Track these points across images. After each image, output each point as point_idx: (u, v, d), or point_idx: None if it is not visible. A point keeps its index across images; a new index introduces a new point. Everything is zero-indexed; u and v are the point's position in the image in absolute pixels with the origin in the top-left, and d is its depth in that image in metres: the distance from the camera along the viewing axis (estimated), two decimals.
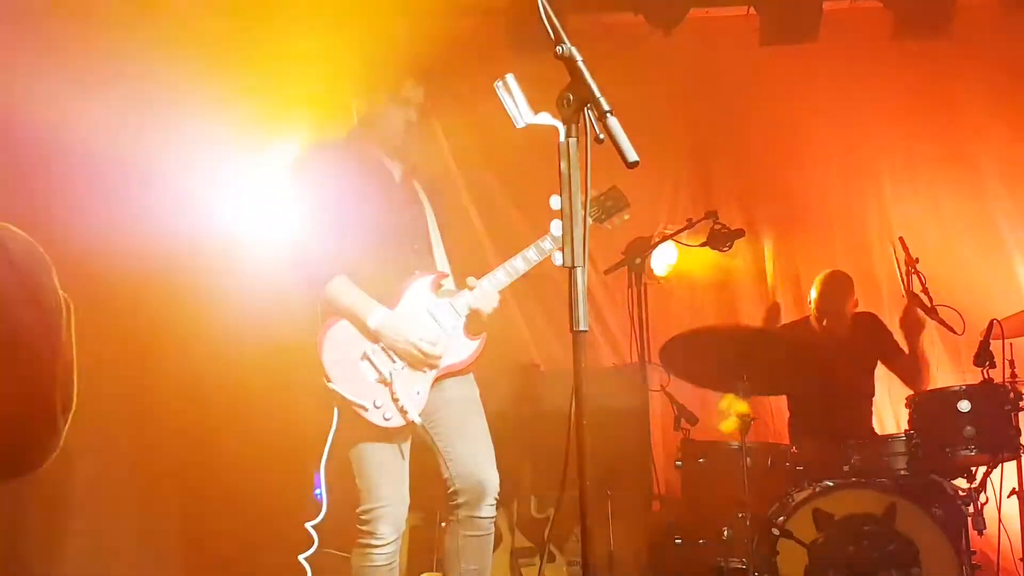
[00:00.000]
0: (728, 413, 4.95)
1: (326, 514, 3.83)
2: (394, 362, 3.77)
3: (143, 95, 4.91)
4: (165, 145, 4.98)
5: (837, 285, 5.80)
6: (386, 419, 3.72)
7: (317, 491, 5.34)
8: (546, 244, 3.87)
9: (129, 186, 4.91)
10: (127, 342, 5.00)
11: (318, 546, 3.76)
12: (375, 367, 3.75)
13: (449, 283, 3.99)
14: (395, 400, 3.72)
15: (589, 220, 3.96)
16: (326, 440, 3.73)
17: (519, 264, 3.91)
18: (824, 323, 5.77)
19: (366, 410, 3.69)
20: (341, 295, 3.76)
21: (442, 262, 4.04)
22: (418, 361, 3.78)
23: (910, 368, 5.73)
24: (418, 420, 3.75)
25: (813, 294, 5.85)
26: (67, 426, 1.56)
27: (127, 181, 4.88)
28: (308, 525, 3.74)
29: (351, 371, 3.73)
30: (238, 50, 5.06)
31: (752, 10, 6.52)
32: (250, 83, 5.12)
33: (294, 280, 3.87)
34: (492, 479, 3.89)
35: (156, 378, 5.23)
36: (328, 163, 3.91)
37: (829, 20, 6.44)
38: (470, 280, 3.87)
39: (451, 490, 3.89)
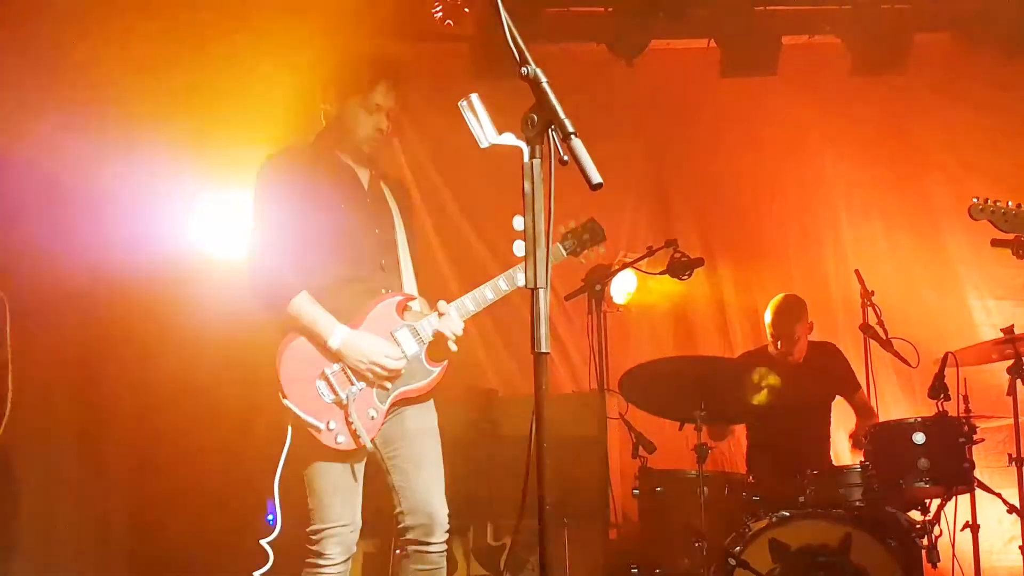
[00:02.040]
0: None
1: (280, 534, 3.76)
2: (352, 384, 3.69)
3: (103, 113, 4.87)
4: (125, 163, 4.93)
5: (789, 308, 5.86)
6: (338, 442, 3.64)
7: (270, 517, 5.27)
8: (518, 275, 3.82)
9: (89, 204, 4.85)
10: (81, 356, 4.94)
11: (273, 565, 3.69)
12: (332, 388, 3.66)
13: (416, 306, 3.92)
14: (349, 423, 3.64)
15: (563, 252, 4.02)
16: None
17: (488, 294, 3.85)
18: (779, 346, 5.82)
19: (319, 431, 3.61)
20: (302, 313, 3.67)
21: (409, 282, 3.96)
22: (378, 377, 3.70)
23: (865, 405, 5.79)
24: (370, 445, 3.68)
25: (767, 318, 5.91)
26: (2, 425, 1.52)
27: (87, 199, 4.83)
28: (264, 542, 3.68)
29: (307, 389, 3.65)
30: (202, 66, 5.03)
31: (713, 43, 6.60)
32: (214, 98, 5.09)
33: (255, 297, 3.76)
34: (441, 514, 3.83)
35: (109, 396, 5.16)
36: (294, 170, 3.81)
37: (788, 54, 6.53)
38: (440, 304, 3.80)
39: (401, 524, 3.83)
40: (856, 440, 5.75)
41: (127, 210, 5.03)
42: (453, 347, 3.79)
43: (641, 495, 5.12)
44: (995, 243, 4.89)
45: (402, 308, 3.85)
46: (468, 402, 5.88)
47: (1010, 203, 4.37)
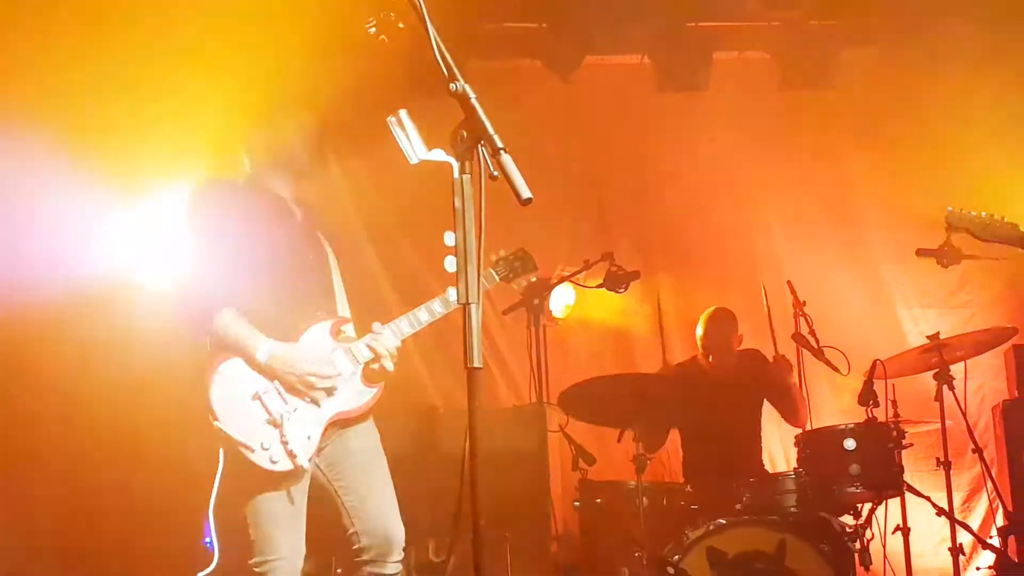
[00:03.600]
0: None
1: (218, 565, 3.72)
2: (286, 403, 3.63)
3: (27, 137, 4.81)
4: (48, 180, 4.86)
5: (721, 321, 5.95)
6: (273, 462, 3.56)
7: (207, 540, 5.21)
8: (452, 297, 3.76)
9: (5, 221, 4.78)
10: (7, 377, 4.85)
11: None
12: (266, 407, 3.59)
13: (350, 329, 3.89)
14: (284, 443, 3.57)
15: (495, 277, 4.05)
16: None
17: (423, 316, 3.85)
18: (710, 359, 5.90)
19: (252, 451, 3.53)
20: (227, 329, 3.60)
21: (344, 308, 3.94)
22: (312, 391, 3.65)
23: (788, 404, 5.90)
24: (307, 465, 3.62)
25: (699, 331, 5.99)
26: None
27: (3, 214, 4.75)
28: None
29: (240, 410, 3.57)
30: (130, 87, 4.98)
31: (646, 58, 6.69)
32: (142, 121, 5.04)
33: (179, 316, 3.70)
34: (399, 533, 3.80)
35: (29, 417, 5.06)
36: (224, 198, 3.79)
37: (720, 69, 6.66)
38: (375, 326, 3.77)
39: (356, 546, 3.78)
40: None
41: (47, 228, 4.95)
42: (389, 366, 3.77)
43: (581, 507, 5.16)
44: (920, 252, 5.03)
45: (336, 331, 3.82)
46: (409, 419, 5.86)
47: (983, 213, 4.45)
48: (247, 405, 3.59)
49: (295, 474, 3.64)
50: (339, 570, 4.27)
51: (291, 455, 3.58)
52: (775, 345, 5.58)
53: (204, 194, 3.81)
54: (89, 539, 5.20)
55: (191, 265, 3.73)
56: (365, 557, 3.77)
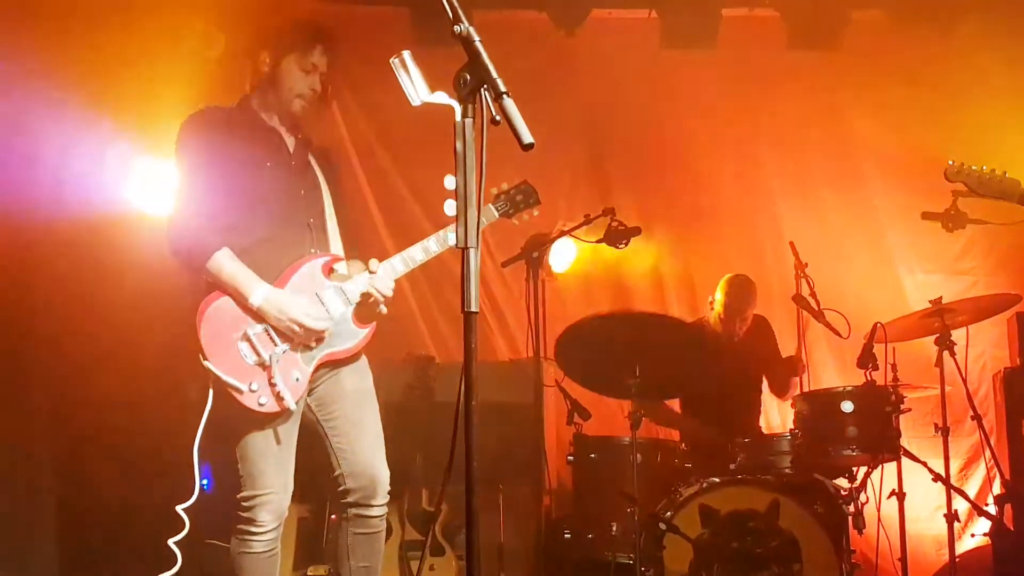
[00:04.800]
0: None
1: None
2: (276, 345, 3.61)
3: (27, 75, 4.76)
4: (51, 120, 4.83)
5: (744, 289, 5.92)
6: (260, 404, 3.56)
7: (204, 481, 5.22)
8: (448, 236, 3.76)
9: (10, 162, 4.74)
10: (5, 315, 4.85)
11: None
12: (255, 349, 3.59)
13: (342, 267, 3.84)
14: (272, 385, 3.57)
15: (494, 212, 4.00)
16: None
17: (417, 254, 3.80)
18: (732, 325, 5.87)
19: (241, 393, 3.53)
20: (222, 270, 3.58)
21: (336, 245, 3.88)
22: (301, 338, 3.63)
23: (781, 377, 5.89)
24: (293, 407, 3.61)
25: (719, 296, 5.93)
26: None
27: (8, 156, 4.72)
28: (179, 508, 3.57)
29: (230, 350, 3.56)
30: (134, 23, 4.93)
31: (654, 13, 6.61)
32: (144, 59, 4.98)
33: (174, 255, 3.67)
34: (383, 476, 3.81)
35: (34, 359, 5.06)
36: (216, 129, 3.72)
37: (728, 26, 6.57)
38: (372, 262, 3.74)
39: (342, 488, 3.80)
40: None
41: (53, 169, 4.92)
42: (383, 308, 3.75)
43: (575, 462, 5.16)
44: (925, 216, 4.97)
45: (328, 269, 3.78)
46: (405, 368, 5.88)
47: (984, 167, 4.38)
48: (236, 345, 3.58)
49: (284, 414, 3.64)
50: (332, 515, 4.28)
51: (278, 397, 3.57)
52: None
53: (194, 123, 3.75)
54: (85, 465, 5.22)
55: (184, 199, 3.68)
56: (350, 499, 3.79)
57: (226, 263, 3.58)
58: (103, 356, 5.14)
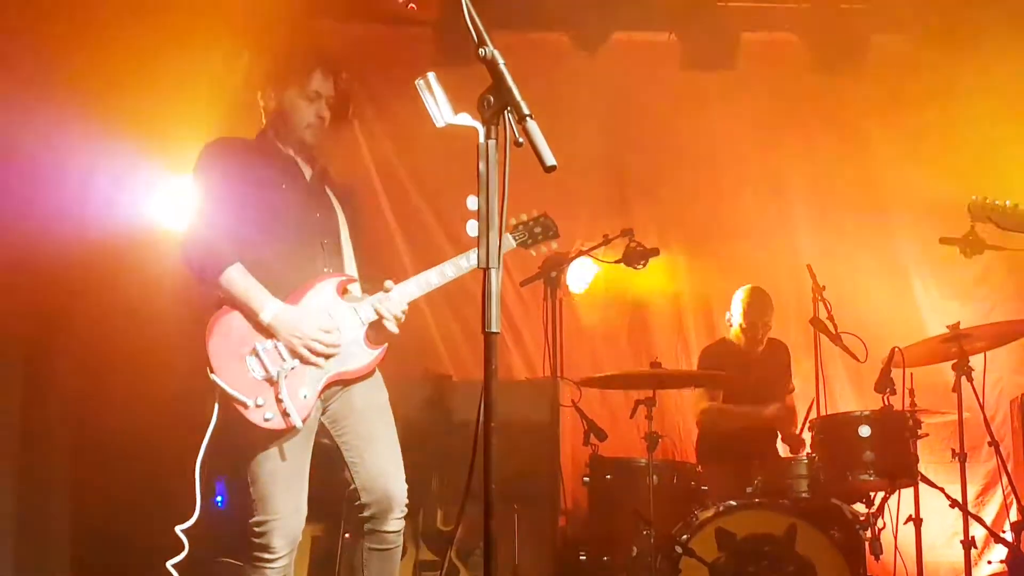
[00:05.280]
0: None
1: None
2: (284, 361, 3.59)
3: (52, 87, 4.81)
4: (78, 135, 4.88)
5: (761, 299, 5.94)
6: (266, 420, 3.52)
7: (218, 498, 5.24)
8: (463, 262, 3.77)
9: (38, 176, 4.80)
10: (28, 328, 4.89)
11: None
12: (263, 364, 3.56)
13: (356, 288, 3.82)
14: (279, 401, 3.53)
15: (512, 242, 3.97)
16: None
17: (433, 278, 3.79)
18: (751, 335, 5.87)
19: (246, 407, 3.50)
20: (235, 284, 3.57)
21: (351, 267, 3.87)
22: (310, 356, 3.60)
23: (791, 408, 5.88)
24: (299, 425, 3.55)
25: (738, 307, 5.93)
26: None
27: (35, 171, 4.77)
28: (178, 529, 3.51)
29: (237, 364, 3.54)
30: (148, 47, 4.97)
31: (674, 36, 6.64)
32: (162, 81, 5.03)
33: (188, 268, 3.66)
34: (400, 491, 3.76)
35: (55, 371, 5.10)
36: (234, 152, 3.76)
37: (748, 50, 6.60)
38: (388, 283, 3.72)
39: (357, 503, 3.76)
40: (791, 440, 5.81)
41: (76, 183, 4.97)
42: (393, 328, 3.73)
43: (591, 482, 5.16)
44: (944, 241, 4.97)
45: (342, 289, 3.76)
46: (422, 387, 5.88)
47: (1008, 202, 4.37)
48: (245, 359, 3.56)
49: (291, 432, 3.59)
50: (347, 534, 4.26)
51: (284, 414, 3.53)
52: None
53: (213, 147, 3.78)
54: (100, 478, 5.25)
55: (200, 215, 3.70)
56: (366, 514, 3.74)
57: (238, 278, 3.58)
58: (127, 371, 5.16)
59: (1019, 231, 4.38)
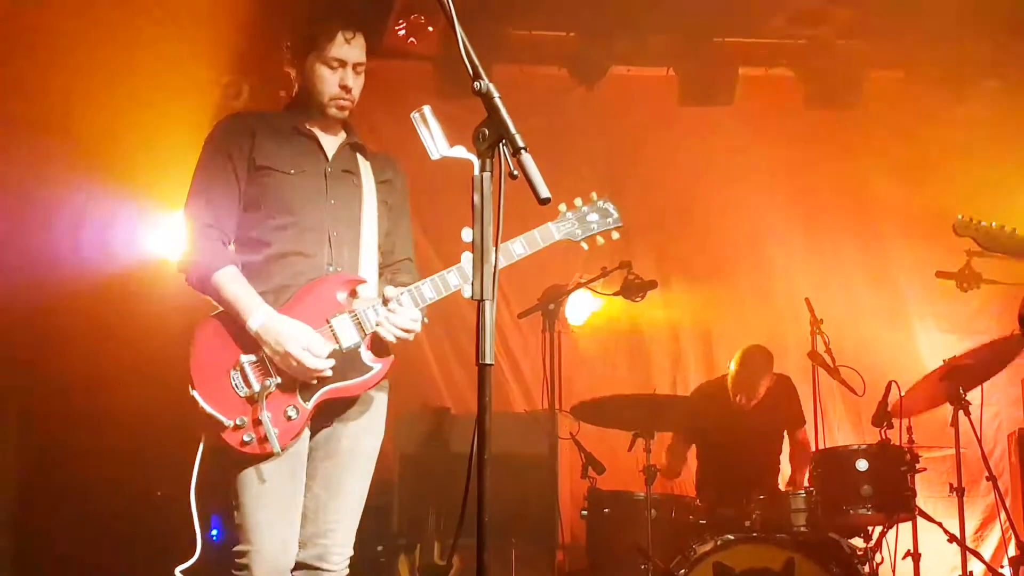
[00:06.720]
0: None
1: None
2: (270, 377, 3.17)
3: (51, 116, 4.86)
4: (79, 170, 4.92)
5: (756, 363, 5.78)
6: (244, 442, 3.12)
7: (214, 532, 5.20)
8: (451, 279, 3.29)
9: (37, 207, 4.83)
10: (30, 357, 4.90)
11: None
12: (247, 379, 3.16)
13: (366, 290, 3.34)
14: (256, 423, 3.12)
15: (554, 230, 3.60)
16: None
17: (427, 292, 3.28)
18: (739, 399, 5.77)
19: (223, 428, 3.10)
20: (224, 289, 3.17)
21: (368, 261, 3.40)
22: (297, 374, 3.17)
23: (804, 444, 5.86)
24: (278, 449, 3.12)
25: (733, 368, 5.83)
26: None
27: (34, 202, 4.80)
28: (178, 570, 3.21)
29: (221, 380, 3.15)
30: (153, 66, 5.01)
31: (671, 71, 6.70)
32: (160, 99, 5.06)
33: (181, 270, 3.30)
34: (339, 542, 3.31)
35: (55, 403, 5.10)
36: (240, 132, 3.35)
37: (745, 85, 6.66)
38: (387, 290, 3.25)
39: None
40: (795, 481, 5.80)
41: (78, 216, 5.00)
42: (391, 338, 3.26)
43: (589, 516, 5.13)
44: (940, 275, 4.98)
45: (347, 290, 3.30)
46: (420, 420, 5.88)
47: (994, 223, 4.38)
48: (227, 373, 3.17)
49: (275, 456, 3.17)
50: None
51: (261, 440, 3.13)
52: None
53: (216, 130, 3.41)
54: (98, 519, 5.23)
55: (195, 212, 3.30)
56: (299, 557, 3.28)
57: (228, 283, 3.19)
58: (126, 400, 5.17)
59: (1001, 252, 4.38)
